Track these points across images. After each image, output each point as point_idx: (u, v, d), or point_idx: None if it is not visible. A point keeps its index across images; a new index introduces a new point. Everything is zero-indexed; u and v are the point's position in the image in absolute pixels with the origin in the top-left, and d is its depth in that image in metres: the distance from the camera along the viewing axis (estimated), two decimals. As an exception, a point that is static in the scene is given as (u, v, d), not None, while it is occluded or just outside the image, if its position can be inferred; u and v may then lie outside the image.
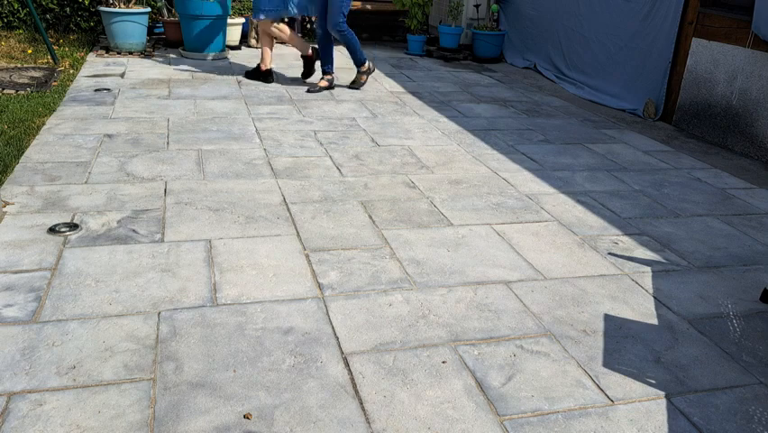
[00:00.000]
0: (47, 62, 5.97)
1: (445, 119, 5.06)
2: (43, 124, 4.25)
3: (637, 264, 2.90)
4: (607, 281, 2.73)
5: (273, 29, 5.56)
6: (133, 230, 2.88)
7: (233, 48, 7.25)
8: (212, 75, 5.97)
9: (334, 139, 4.37)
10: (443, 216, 3.26)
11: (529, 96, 6.09)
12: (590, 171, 4.10)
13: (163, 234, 2.87)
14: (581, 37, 6.46)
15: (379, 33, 8.92)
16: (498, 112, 5.41)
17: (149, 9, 6.60)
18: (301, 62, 6.22)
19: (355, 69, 6.00)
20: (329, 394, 1.95)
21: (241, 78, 5.95)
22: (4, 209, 2.97)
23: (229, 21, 6.88)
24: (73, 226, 2.86)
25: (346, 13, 5.44)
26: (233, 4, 7.00)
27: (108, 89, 5.21)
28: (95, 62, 6.16)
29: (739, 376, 2.18)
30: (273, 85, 5.77)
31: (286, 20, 5.78)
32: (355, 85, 5.83)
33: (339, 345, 2.18)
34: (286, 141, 4.27)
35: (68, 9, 7.18)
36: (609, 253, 2.98)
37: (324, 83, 5.69)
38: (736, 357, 2.28)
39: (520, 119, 5.23)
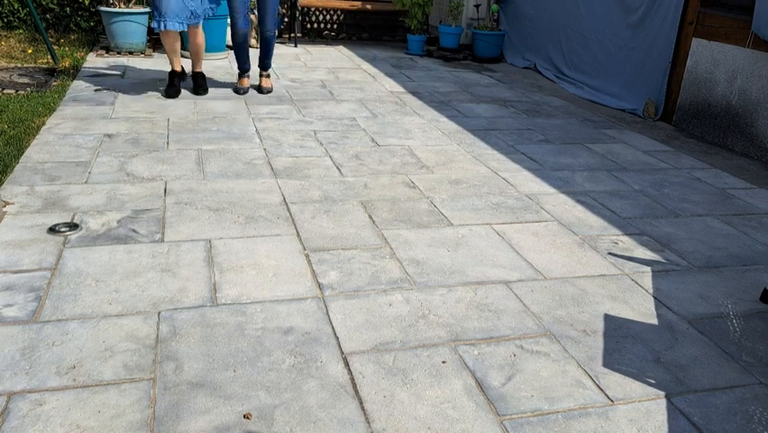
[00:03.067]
0: (47, 62, 5.97)
1: (445, 119, 5.06)
2: (43, 123, 4.25)
3: (637, 264, 2.90)
4: (607, 281, 2.73)
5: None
6: (133, 230, 2.88)
7: (233, 48, 7.24)
8: (212, 74, 5.97)
9: (334, 139, 4.37)
10: (442, 215, 3.26)
11: (529, 95, 6.09)
12: (590, 171, 4.10)
13: (163, 233, 2.87)
14: (581, 37, 6.46)
15: (379, 33, 8.92)
16: (498, 112, 5.41)
17: (149, 9, 6.59)
18: (302, 62, 6.22)
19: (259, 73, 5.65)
20: (329, 394, 1.95)
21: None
22: (4, 209, 2.97)
23: (229, 21, 6.87)
24: (73, 226, 2.86)
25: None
26: (233, 3, 6.99)
27: (108, 89, 5.21)
28: (95, 62, 6.16)
29: (739, 376, 2.18)
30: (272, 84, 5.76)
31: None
32: (265, 90, 5.53)
33: (339, 345, 2.18)
34: (286, 141, 4.28)
35: (68, 9, 7.17)
36: (609, 253, 2.98)
37: (246, 82, 5.52)
38: (735, 357, 2.28)
39: (520, 119, 5.23)
